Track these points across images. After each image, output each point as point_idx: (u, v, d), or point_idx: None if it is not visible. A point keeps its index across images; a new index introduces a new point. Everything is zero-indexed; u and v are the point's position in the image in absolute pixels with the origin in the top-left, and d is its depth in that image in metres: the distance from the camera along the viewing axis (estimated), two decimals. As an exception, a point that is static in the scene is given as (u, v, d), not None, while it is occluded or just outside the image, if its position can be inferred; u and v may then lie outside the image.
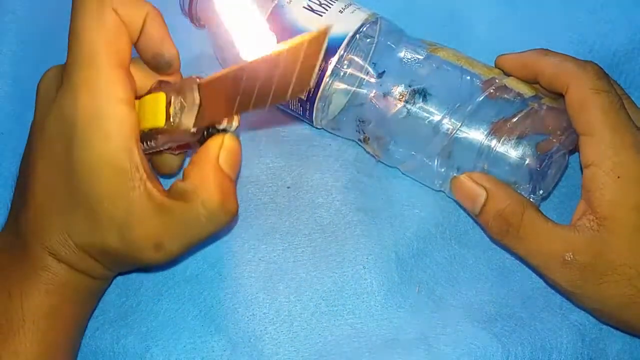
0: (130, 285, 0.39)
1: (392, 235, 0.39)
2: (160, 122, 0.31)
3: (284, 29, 0.36)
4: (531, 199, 0.35)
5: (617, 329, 0.37)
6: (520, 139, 0.34)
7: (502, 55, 0.37)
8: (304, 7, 0.37)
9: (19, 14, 0.46)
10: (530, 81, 0.36)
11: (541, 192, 0.35)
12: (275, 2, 0.37)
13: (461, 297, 0.38)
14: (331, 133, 0.41)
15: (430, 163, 0.37)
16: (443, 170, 0.37)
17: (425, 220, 0.40)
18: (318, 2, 0.37)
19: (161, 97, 0.31)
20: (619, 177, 0.31)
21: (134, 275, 0.39)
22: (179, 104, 0.30)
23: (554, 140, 0.35)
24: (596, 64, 0.34)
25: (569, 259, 0.32)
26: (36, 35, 0.45)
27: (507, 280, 0.39)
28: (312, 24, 0.36)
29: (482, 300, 0.38)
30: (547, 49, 0.36)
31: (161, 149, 0.33)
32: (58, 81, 0.31)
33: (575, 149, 0.36)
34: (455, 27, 0.45)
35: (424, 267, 0.39)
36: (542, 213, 0.34)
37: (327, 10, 0.36)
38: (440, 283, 0.39)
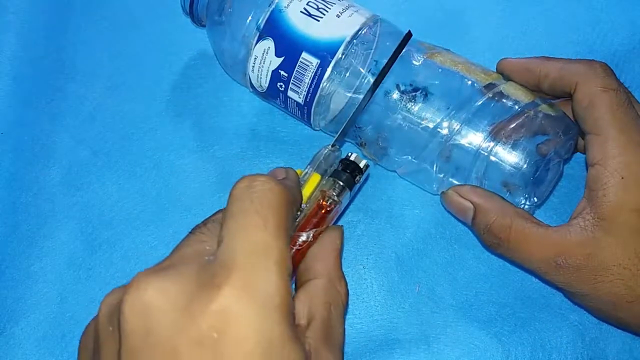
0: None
1: (392, 235, 0.40)
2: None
3: (282, 33, 0.36)
4: (525, 207, 0.35)
5: (613, 326, 0.37)
6: (515, 146, 0.34)
7: (504, 58, 0.37)
8: (301, 11, 0.36)
9: (19, 14, 0.46)
10: (531, 86, 0.36)
11: (535, 199, 0.35)
12: (273, 6, 0.37)
13: (461, 297, 0.38)
14: (330, 135, 0.41)
15: (426, 167, 0.36)
16: (441, 176, 0.37)
17: (425, 220, 0.40)
18: (315, 7, 0.36)
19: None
20: (622, 178, 0.31)
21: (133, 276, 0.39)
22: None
23: (550, 148, 0.34)
24: (603, 62, 0.34)
25: (562, 262, 0.32)
26: (36, 35, 0.46)
27: (507, 280, 0.39)
28: (309, 29, 0.36)
29: (482, 300, 0.38)
30: (549, 56, 0.36)
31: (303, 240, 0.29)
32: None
33: (570, 158, 0.36)
34: (456, 27, 0.45)
35: (424, 267, 0.39)
36: (532, 219, 0.34)
37: (324, 14, 0.36)
38: (440, 283, 0.39)
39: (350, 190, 0.31)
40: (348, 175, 0.31)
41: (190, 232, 0.27)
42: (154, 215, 0.41)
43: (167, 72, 0.44)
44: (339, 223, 0.38)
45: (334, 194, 0.30)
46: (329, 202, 0.30)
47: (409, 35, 0.35)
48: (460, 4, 0.45)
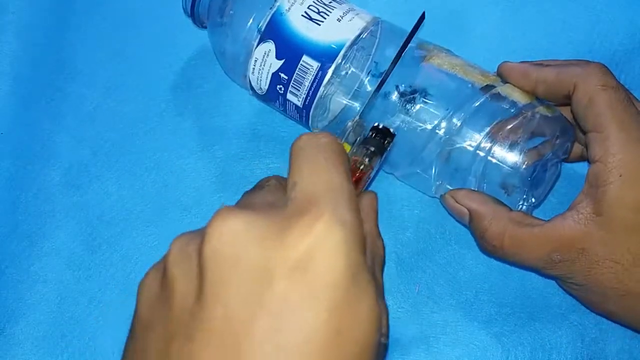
0: (131, 287, 0.39)
1: (392, 235, 0.40)
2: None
3: (283, 37, 0.36)
4: (523, 208, 0.35)
5: (604, 317, 0.37)
6: (513, 147, 0.34)
7: (504, 62, 0.36)
8: (302, 15, 0.36)
9: (19, 14, 0.46)
10: (528, 90, 0.36)
11: (533, 200, 0.35)
12: (274, 10, 0.36)
13: (461, 297, 0.38)
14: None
15: (425, 170, 0.36)
16: (439, 183, 0.36)
17: (425, 221, 0.40)
18: (316, 10, 0.36)
19: None
20: (621, 176, 0.32)
21: (133, 276, 0.39)
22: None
23: (547, 149, 0.34)
24: (599, 62, 0.34)
25: (557, 258, 0.33)
26: (36, 35, 0.46)
27: (507, 280, 0.39)
28: (310, 32, 0.36)
29: (482, 300, 0.38)
30: (546, 61, 0.36)
31: None
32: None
33: (567, 159, 0.36)
34: (456, 27, 0.45)
35: (424, 267, 0.39)
36: (526, 220, 0.34)
37: (325, 18, 0.36)
38: (440, 283, 0.39)
39: (381, 155, 0.32)
40: (378, 141, 0.32)
41: (248, 192, 0.30)
42: (154, 215, 0.41)
43: (167, 72, 0.44)
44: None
45: (366, 160, 0.31)
46: (361, 167, 0.31)
47: (423, 17, 0.36)
48: (461, 4, 0.45)
